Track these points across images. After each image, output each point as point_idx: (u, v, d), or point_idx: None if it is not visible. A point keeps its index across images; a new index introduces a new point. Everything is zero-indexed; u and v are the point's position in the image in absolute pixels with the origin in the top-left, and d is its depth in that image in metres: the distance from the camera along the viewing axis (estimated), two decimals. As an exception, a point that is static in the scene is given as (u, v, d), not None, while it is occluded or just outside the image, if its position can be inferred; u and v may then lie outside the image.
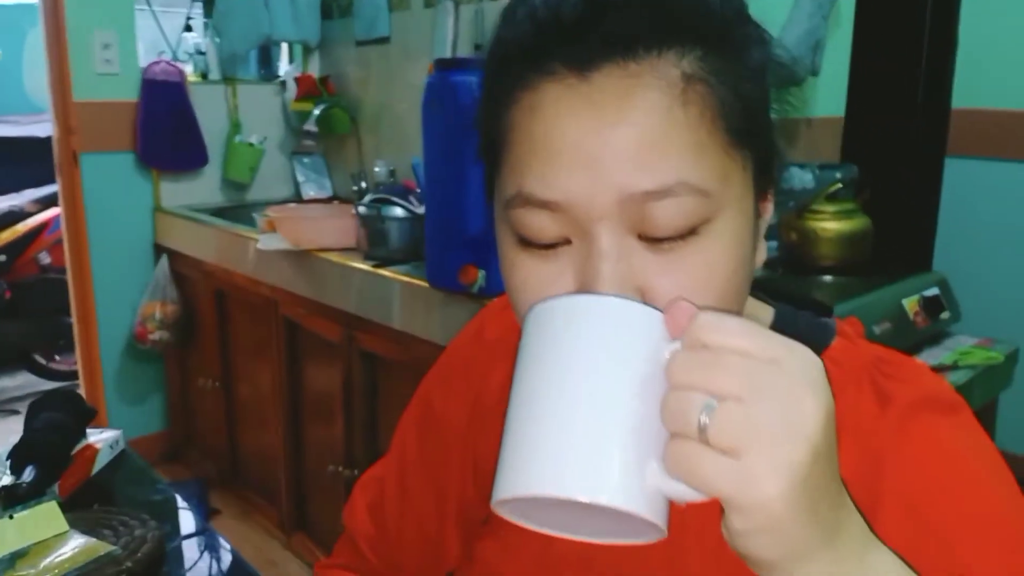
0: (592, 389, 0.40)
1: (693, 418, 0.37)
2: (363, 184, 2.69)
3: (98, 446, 1.17)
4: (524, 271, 0.49)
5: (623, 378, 0.40)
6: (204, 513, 2.61)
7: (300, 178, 2.95)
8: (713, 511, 0.55)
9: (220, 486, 2.73)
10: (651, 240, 0.46)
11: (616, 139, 0.45)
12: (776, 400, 0.37)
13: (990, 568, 0.48)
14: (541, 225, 0.47)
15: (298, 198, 2.94)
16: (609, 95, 0.45)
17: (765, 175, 0.52)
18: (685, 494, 0.39)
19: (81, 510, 1.00)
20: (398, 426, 0.77)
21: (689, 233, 0.46)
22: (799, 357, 0.38)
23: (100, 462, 1.16)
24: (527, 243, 0.49)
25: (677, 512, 0.56)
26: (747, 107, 0.49)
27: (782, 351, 0.38)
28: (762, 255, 0.54)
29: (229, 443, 2.69)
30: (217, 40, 2.86)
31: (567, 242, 0.48)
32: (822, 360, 0.39)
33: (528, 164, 0.47)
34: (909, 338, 1.77)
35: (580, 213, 0.46)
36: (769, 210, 0.55)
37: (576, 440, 0.39)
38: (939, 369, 1.70)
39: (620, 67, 0.46)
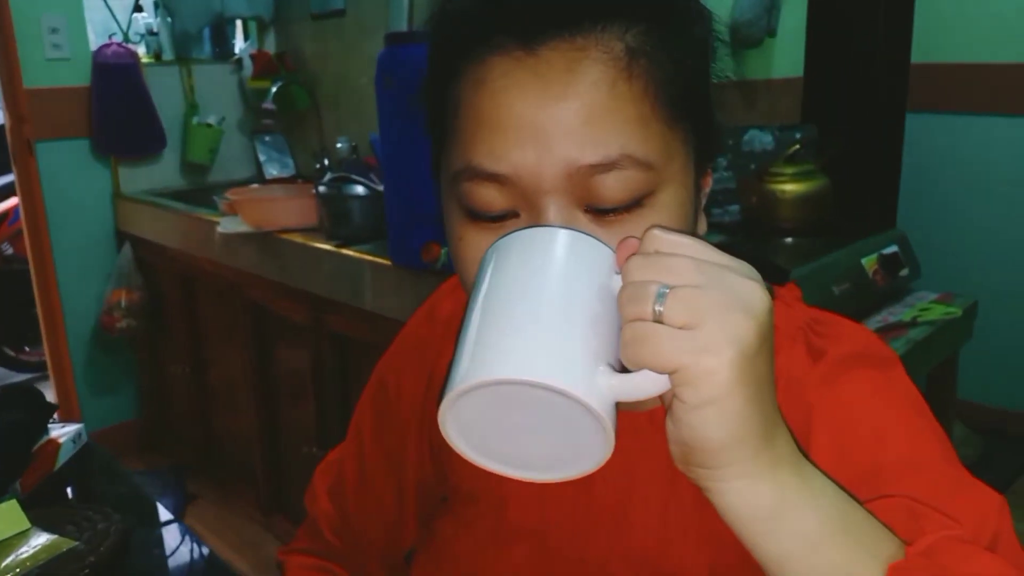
0: (553, 292, 0.42)
1: (648, 304, 0.39)
2: (325, 162, 2.67)
3: (60, 440, 1.16)
4: (472, 244, 0.50)
5: (581, 284, 0.42)
6: (181, 499, 2.61)
7: (262, 157, 2.91)
8: (656, 482, 0.56)
9: (197, 471, 2.72)
10: (597, 212, 0.47)
11: (562, 113, 0.46)
12: (725, 286, 0.38)
13: (912, 491, 0.49)
14: (489, 198, 0.48)
15: (261, 178, 2.90)
16: (555, 68, 0.46)
17: (706, 150, 0.53)
18: (636, 387, 0.40)
19: (44, 507, 0.99)
20: (355, 409, 0.77)
21: (634, 205, 0.47)
22: (745, 265, 0.41)
23: (63, 457, 1.15)
24: (475, 216, 0.49)
25: (625, 486, 0.57)
26: (689, 81, 0.50)
27: (729, 259, 0.40)
28: (703, 227, 0.56)
29: (204, 428, 2.68)
30: (169, 20, 2.79)
31: (515, 215, 0.49)
32: None
33: (476, 138, 0.48)
34: (869, 297, 1.79)
35: (528, 186, 0.47)
36: (709, 184, 0.56)
37: (539, 331, 0.40)
38: (898, 326, 1.73)
39: (566, 41, 0.46)
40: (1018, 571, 0.41)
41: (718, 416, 0.38)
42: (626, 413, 0.57)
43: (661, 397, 0.41)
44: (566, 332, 0.40)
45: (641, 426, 0.57)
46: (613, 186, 0.46)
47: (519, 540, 0.61)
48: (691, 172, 0.51)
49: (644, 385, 0.40)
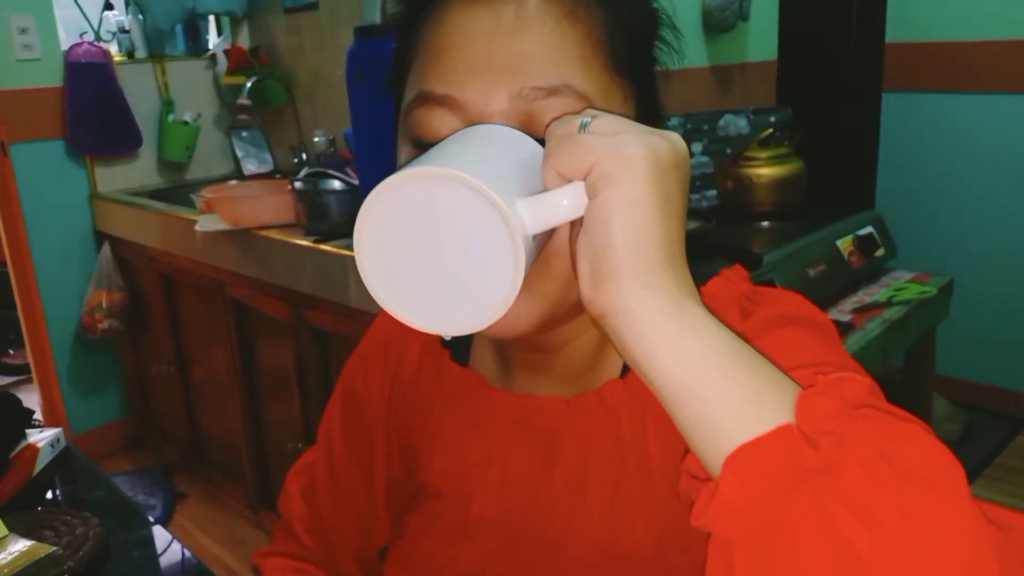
0: (482, 145, 0.45)
1: (574, 125, 0.42)
2: (303, 156, 2.66)
3: (39, 445, 1.15)
4: None
5: (510, 149, 0.45)
6: (170, 498, 2.61)
7: (239, 153, 2.90)
8: (609, 463, 0.57)
9: (185, 470, 2.73)
10: (539, 140, 0.49)
11: (511, 43, 0.50)
12: (644, 127, 0.42)
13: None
14: (439, 123, 0.51)
15: (239, 174, 2.88)
16: (508, 5, 0.50)
17: (648, 119, 0.54)
18: (552, 204, 0.41)
19: (23, 512, 1.00)
20: (324, 411, 0.78)
21: None
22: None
23: (41, 462, 1.15)
24: (423, 146, 0.51)
25: (581, 468, 0.58)
26: (631, 40, 0.54)
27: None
28: None
29: (190, 427, 2.68)
30: (140, 16, 2.76)
31: None
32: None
33: (430, 67, 0.52)
34: (845, 278, 1.81)
35: (474, 109, 0.50)
36: None
37: (465, 160, 0.42)
38: (874, 306, 1.75)
39: None
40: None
41: (632, 212, 0.39)
42: (578, 396, 0.59)
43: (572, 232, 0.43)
44: (492, 165, 0.42)
45: (591, 407, 0.58)
46: (554, 111, 0.49)
47: (484, 531, 0.62)
48: None
49: (559, 202, 0.41)
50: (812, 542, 0.34)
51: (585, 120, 0.42)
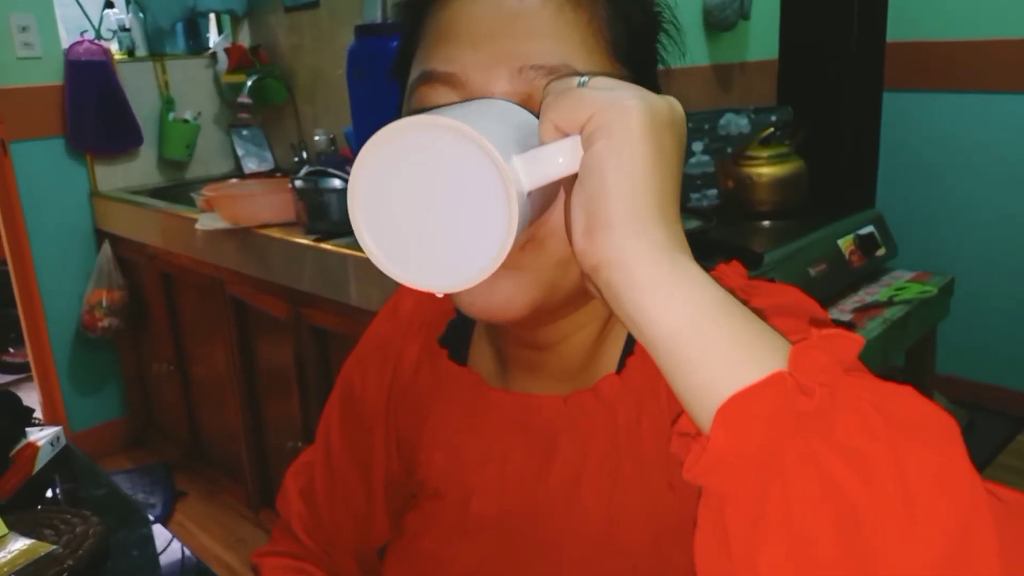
0: (482, 110, 0.45)
1: (572, 83, 0.43)
2: (304, 154, 2.65)
3: (39, 444, 1.15)
4: None
5: (508, 117, 0.46)
6: (170, 497, 2.61)
7: (240, 152, 2.90)
8: (605, 461, 0.57)
9: (185, 468, 2.73)
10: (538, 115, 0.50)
11: (513, 24, 0.50)
12: (642, 88, 0.42)
13: None
14: (441, 101, 0.51)
15: (239, 173, 2.88)
16: None
17: None
18: (547, 158, 0.41)
19: (23, 511, 1.00)
20: (323, 410, 0.78)
21: None
22: None
23: (41, 460, 1.15)
24: None
25: (577, 467, 0.58)
26: (633, 31, 0.54)
27: None
28: None
29: (190, 425, 2.68)
30: (141, 15, 2.76)
31: None
32: None
33: (433, 49, 0.53)
34: (845, 277, 1.80)
35: (476, 87, 0.50)
36: None
37: (467, 114, 0.42)
38: (874, 306, 1.74)
39: None
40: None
41: (626, 160, 0.39)
42: (575, 394, 0.59)
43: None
44: (489, 123, 0.42)
45: (588, 404, 0.58)
46: None
47: (482, 529, 0.62)
48: None
49: (555, 156, 0.41)
50: (805, 490, 0.34)
51: (583, 79, 0.43)
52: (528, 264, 0.50)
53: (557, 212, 0.49)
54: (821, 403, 0.35)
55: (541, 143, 0.42)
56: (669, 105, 0.42)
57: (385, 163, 0.41)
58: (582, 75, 0.44)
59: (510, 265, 0.50)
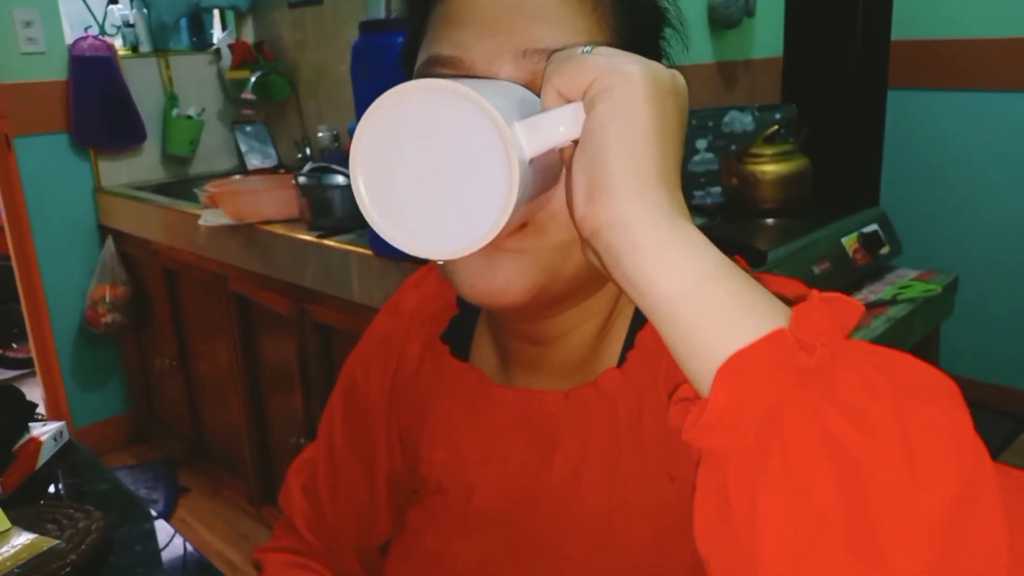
0: (486, 83, 0.46)
1: (576, 51, 0.43)
2: (307, 151, 2.65)
3: (42, 439, 1.16)
4: None
5: (511, 92, 0.46)
6: (173, 492, 2.61)
7: (243, 148, 2.90)
8: (605, 455, 0.57)
9: (188, 464, 2.73)
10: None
11: (518, 9, 0.51)
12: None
13: None
14: None
15: (243, 169, 2.88)
16: None
17: None
18: (548, 123, 0.41)
19: (26, 505, 1.00)
20: (326, 406, 0.78)
21: None
22: None
23: (44, 455, 1.15)
24: None
25: (578, 462, 0.58)
26: (637, 25, 0.54)
27: None
28: None
29: (193, 421, 2.68)
30: (145, 10, 2.76)
31: None
32: None
33: (439, 34, 0.53)
34: (849, 276, 1.80)
35: (480, 70, 0.51)
36: None
37: (472, 84, 0.42)
38: (878, 304, 1.74)
39: None
40: None
41: (628, 122, 0.39)
42: (576, 388, 0.59)
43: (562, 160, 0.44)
44: (491, 92, 0.41)
45: (589, 398, 0.58)
46: None
47: (484, 526, 0.62)
48: None
49: (557, 123, 0.41)
50: (806, 446, 0.33)
51: (586, 48, 0.44)
52: (529, 247, 0.51)
53: (558, 196, 0.49)
54: (822, 360, 0.34)
55: (543, 110, 0.43)
56: (671, 74, 0.42)
57: (387, 127, 0.41)
58: (585, 45, 0.44)
59: (511, 248, 0.50)
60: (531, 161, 0.41)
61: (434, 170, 0.41)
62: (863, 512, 0.32)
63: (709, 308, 0.37)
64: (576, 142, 0.41)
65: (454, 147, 0.40)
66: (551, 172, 0.47)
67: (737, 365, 0.35)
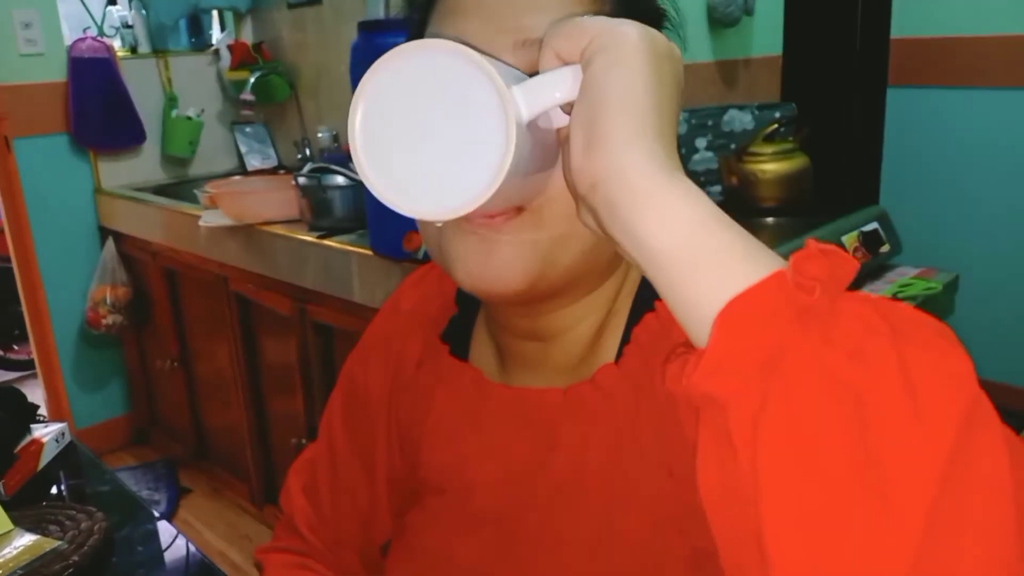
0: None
1: (574, 17, 0.44)
2: (307, 151, 2.65)
3: (43, 440, 1.16)
4: None
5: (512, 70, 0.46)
6: (174, 493, 2.61)
7: (243, 149, 2.90)
8: (605, 450, 0.57)
9: (189, 465, 2.73)
10: None
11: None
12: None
13: None
14: None
15: (243, 170, 2.88)
16: None
17: None
18: (545, 85, 0.42)
19: (28, 507, 1.00)
20: (326, 406, 0.78)
21: None
22: None
23: (46, 456, 1.15)
24: None
25: (579, 460, 0.58)
26: (635, 12, 0.53)
27: None
28: None
29: (194, 422, 2.68)
30: (143, 11, 2.76)
31: None
32: None
33: (440, 24, 0.54)
34: (850, 273, 1.80)
35: None
36: None
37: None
38: (878, 302, 1.73)
39: None
40: None
41: (624, 74, 0.40)
42: (574, 385, 0.59)
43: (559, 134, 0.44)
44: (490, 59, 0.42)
45: (587, 395, 0.58)
46: None
47: (484, 524, 0.62)
48: None
49: (553, 87, 0.42)
50: (807, 386, 0.33)
51: (585, 16, 0.44)
52: (527, 234, 0.51)
53: (555, 182, 0.49)
54: (821, 301, 0.34)
55: (541, 72, 0.43)
56: (668, 41, 0.43)
57: (385, 89, 0.41)
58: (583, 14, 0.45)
59: (508, 232, 0.50)
60: (529, 126, 0.42)
61: (431, 131, 0.41)
62: (866, 451, 0.32)
63: (706, 257, 0.37)
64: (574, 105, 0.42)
65: (451, 107, 0.40)
66: (549, 151, 0.47)
67: (736, 309, 0.35)
